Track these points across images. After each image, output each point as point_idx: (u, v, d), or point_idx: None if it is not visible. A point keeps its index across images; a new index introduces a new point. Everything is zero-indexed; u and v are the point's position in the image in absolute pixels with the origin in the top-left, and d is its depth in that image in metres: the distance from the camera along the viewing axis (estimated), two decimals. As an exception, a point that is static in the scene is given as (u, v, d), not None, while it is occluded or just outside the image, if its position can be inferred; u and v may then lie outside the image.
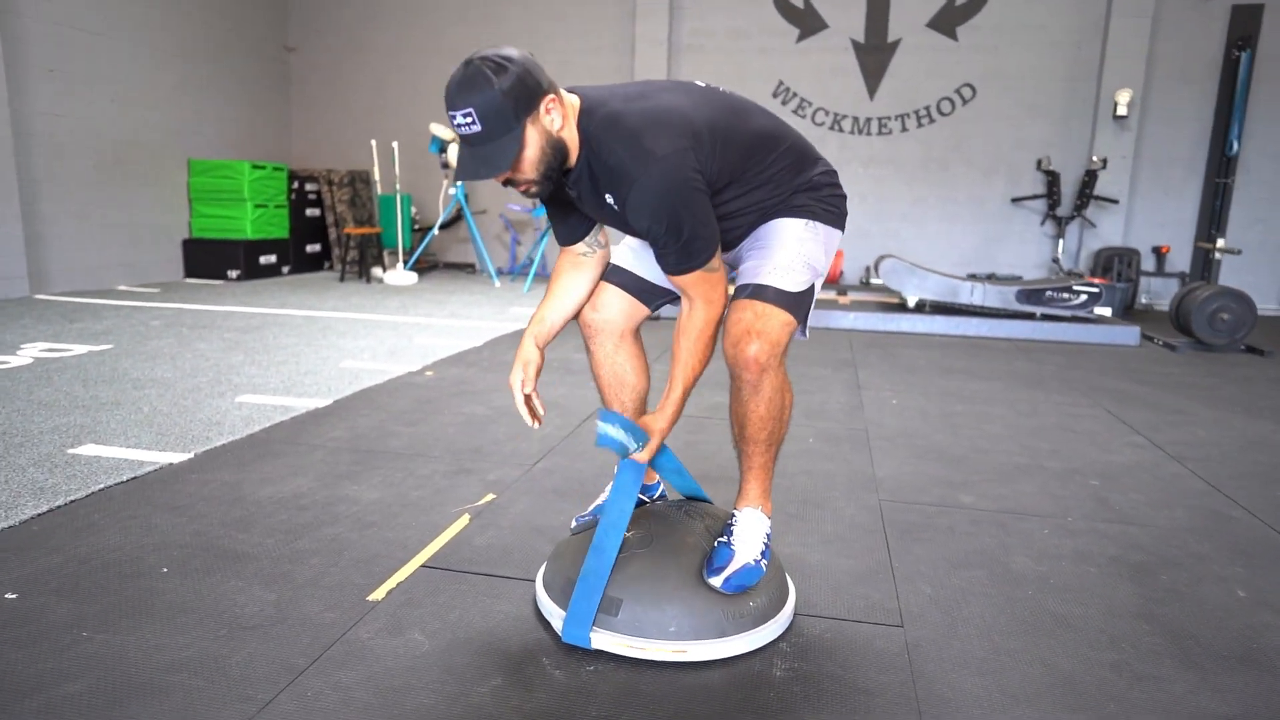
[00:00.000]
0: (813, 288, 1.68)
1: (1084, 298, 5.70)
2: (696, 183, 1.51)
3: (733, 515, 1.75)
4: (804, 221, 1.70)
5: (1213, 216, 7.65)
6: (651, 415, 1.65)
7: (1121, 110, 7.44)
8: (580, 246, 1.78)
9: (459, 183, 1.39)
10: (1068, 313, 5.76)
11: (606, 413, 1.65)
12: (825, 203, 1.74)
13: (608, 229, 1.81)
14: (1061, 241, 7.71)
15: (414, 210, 8.86)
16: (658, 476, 2.03)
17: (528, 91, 1.44)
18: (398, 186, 8.01)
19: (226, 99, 8.30)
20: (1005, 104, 7.88)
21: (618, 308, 1.80)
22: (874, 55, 8.05)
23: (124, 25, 6.99)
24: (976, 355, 5.05)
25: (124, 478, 2.41)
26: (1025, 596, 1.88)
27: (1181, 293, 5.59)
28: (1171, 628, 1.75)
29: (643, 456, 1.64)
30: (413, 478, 2.53)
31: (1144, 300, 7.84)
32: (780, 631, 1.66)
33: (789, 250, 1.66)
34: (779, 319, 1.60)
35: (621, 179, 1.49)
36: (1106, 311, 5.94)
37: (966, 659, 1.61)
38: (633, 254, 1.85)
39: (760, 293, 1.62)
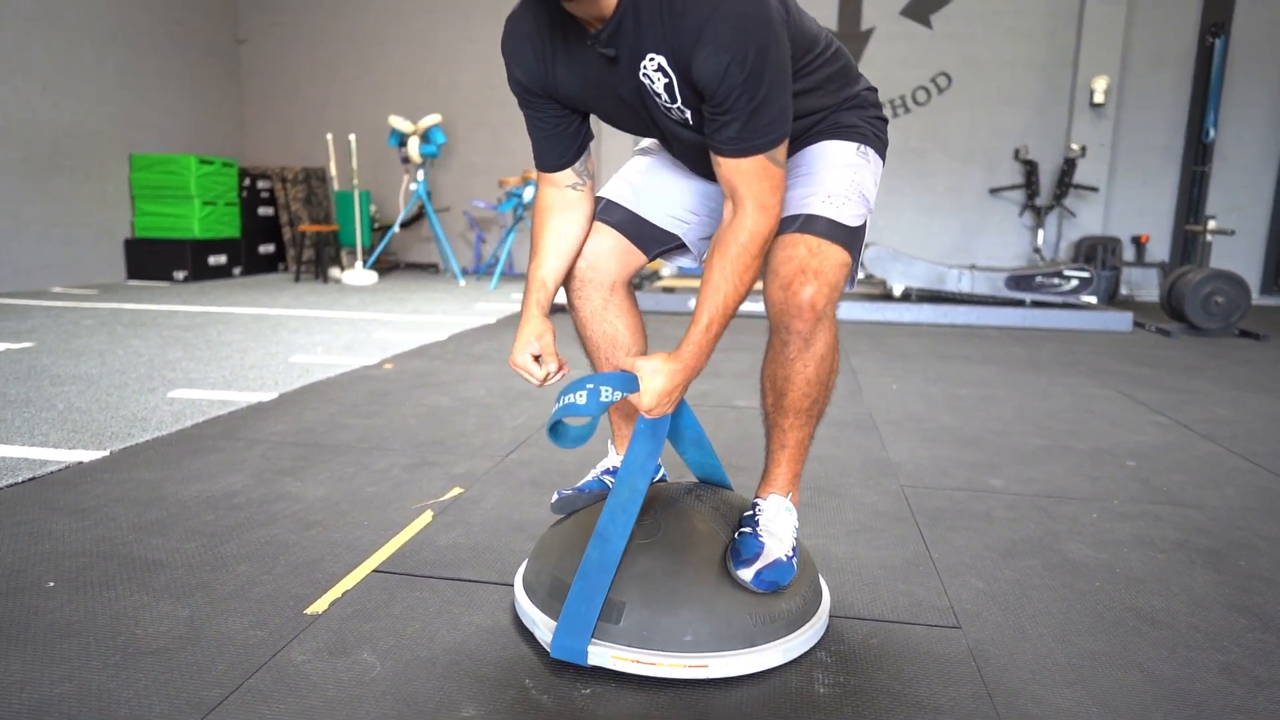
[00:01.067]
0: (865, 226, 1.39)
1: (1074, 283, 5.50)
2: (782, 31, 1.19)
3: (755, 504, 1.44)
4: (855, 146, 1.41)
5: (1190, 204, 7.54)
6: (664, 355, 1.28)
7: (1099, 98, 7.31)
8: (569, 175, 1.44)
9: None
10: (1058, 299, 5.56)
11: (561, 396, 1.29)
12: (874, 125, 1.46)
13: (594, 154, 1.49)
14: (1041, 231, 7.55)
15: (373, 208, 8.46)
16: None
17: None
18: (355, 182, 7.61)
19: (173, 92, 7.84)
20: (982, 92, 7.72)
21: (611, 253, 1.48)
22: (848, 43, 7.84)
23: (60, 10, 6.53)
24: (969, 342, 4.81)
25: (19, 479, 2.04)
26: (1093, 589, 1.60)
27: (1173, 276, 5.41)
28: (1275, 622, 1.47)
29: (652, 406, 1.26)
30: (365, 472, 2.19)
31: (1124, 291, 7.71)
32: (817, 638, 1.36)
33: (840, 177, 1.37)
34: (836, 257, 1.30)
35: (693, 5, 1.15)
36: (1092, 300, 5.76)
37: (1045, 665, 1.31)
38: (631, 188, 1.53)
39: (811, 225, 1.31)
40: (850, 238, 1.33)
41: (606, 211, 1.51)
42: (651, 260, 1.55)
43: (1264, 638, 1.41)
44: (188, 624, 1.37)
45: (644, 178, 1.55)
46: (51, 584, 1.50)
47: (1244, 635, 1.42)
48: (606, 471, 1.60)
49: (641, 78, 1.25)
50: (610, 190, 1.54)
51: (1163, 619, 1.48)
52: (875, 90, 1.50)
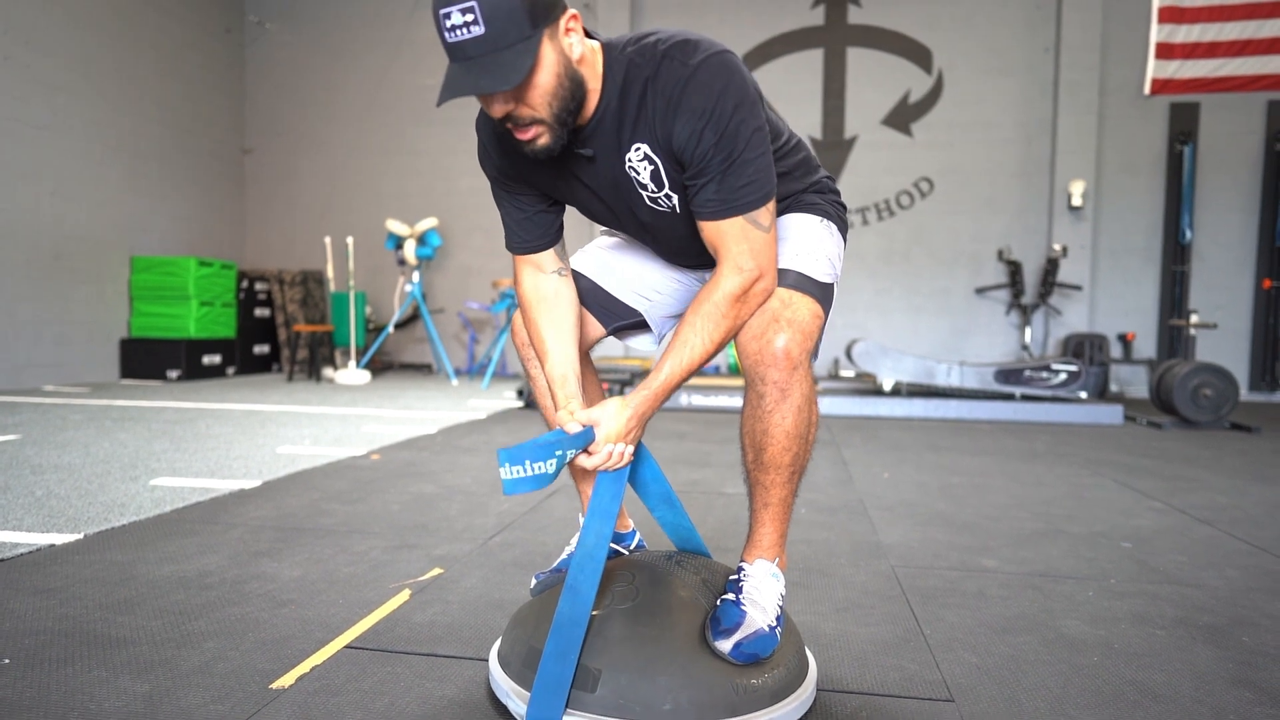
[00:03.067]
0: (833, 288, 1.41)
1: (1063, 376, 5.53)
2: (756, 98, 1.24)
3: (740, 568, 1.41)
4: (819, 218, 1.46)
5: (1173, 303, 7.67)
6: (620, 399, 1.28)
7: (1076, 201, 7.54)
8: (552, 258, 1.45)
9: (443, 101, 1.12)
10: (1048, 393, 5.58)
11: (504, 451, 1.22)
12: (835, 207, 1.52)
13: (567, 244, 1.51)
14: (1028, 329, 7.65)
15: (369, 309, 8.57)
16: (632, 523, 1.68)
17: None
18: (351, 284, 7.74)
19: (177, 197, 8.06)
20: (963, 197, 7.97)
21: None
22: (832, 151, 8.15)
23: (73, 121, 6.78)
24: (961, 434, 4.80)
25: (-13, 559, 1.99)
26: (1091, 663, 1.54)
27: (1161, 369, 5.45)
28: (1280, 694, 1.42)
29: (601, 453, 1.25)
30: (344, 554, 2.13)
31: (1114, 388, 7.74)
32: (804, 710, 1.30)
33: (805, 240, 1.41)
34: (808, 307, 1.32)
35: (668, 82, 1.20)
36: (1082, 394, 5.78)
37: (1044, 738, 1.25)
38: (596, 261, 1.57)
39: (782, 277, 1.34)
40: (821, 292, 1.35)
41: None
42: (610, 334, 1.57)
43: (1271, 712, 1.35)
44: (145, 699, 1.31)
45: (611, 253, 1.58)
46: (7, 661, 1.44)
47: (1250, 709, 1.36)
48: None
49: (627, 170, 1.29)
50: (576, 261, 1.57)
51: (1165, 693, 1.42)
52: (833, 178, 1.57)
